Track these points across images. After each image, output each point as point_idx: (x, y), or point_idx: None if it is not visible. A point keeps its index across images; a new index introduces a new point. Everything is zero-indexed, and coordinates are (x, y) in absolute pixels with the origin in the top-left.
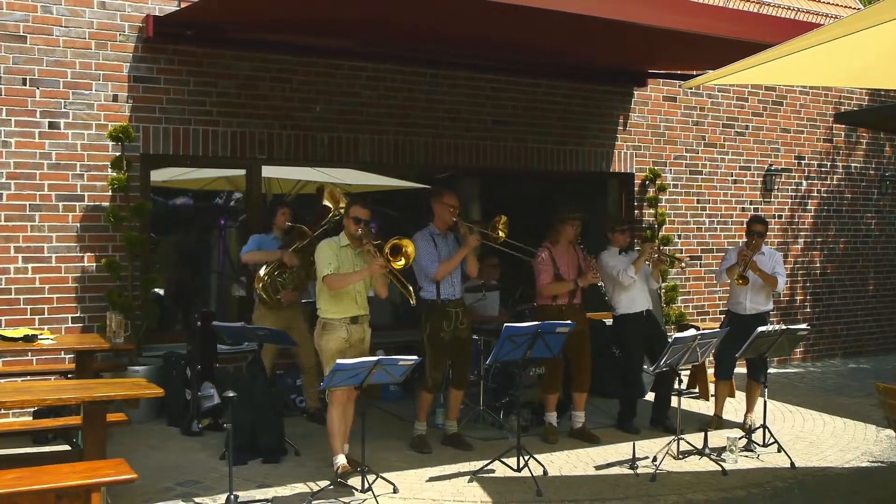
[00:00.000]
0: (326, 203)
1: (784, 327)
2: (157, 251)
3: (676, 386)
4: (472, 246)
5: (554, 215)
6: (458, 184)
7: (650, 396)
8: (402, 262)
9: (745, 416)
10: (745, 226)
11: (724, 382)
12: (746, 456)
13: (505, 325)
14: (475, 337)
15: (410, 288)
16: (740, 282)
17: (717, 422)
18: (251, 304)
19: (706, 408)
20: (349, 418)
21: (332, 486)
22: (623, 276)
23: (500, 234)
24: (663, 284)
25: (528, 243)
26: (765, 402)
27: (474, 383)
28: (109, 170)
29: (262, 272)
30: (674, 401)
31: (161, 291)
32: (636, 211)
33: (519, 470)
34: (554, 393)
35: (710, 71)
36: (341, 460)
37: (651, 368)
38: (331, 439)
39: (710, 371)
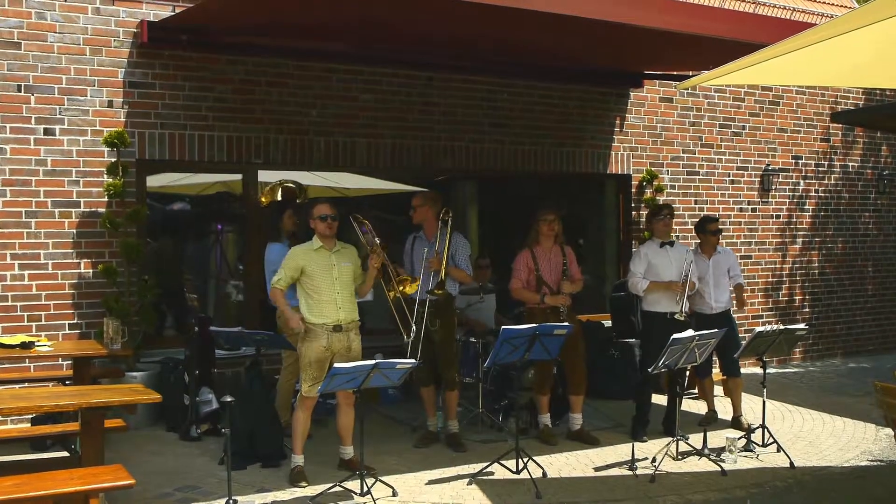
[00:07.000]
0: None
1: (782, 327)
2: (154, 256)
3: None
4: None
5: (532, 216)
6: (454, 186)
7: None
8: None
9: (739, 414)
10: (707, 226)
11: (707, 380)
12: (746, 456)
13: (502, 327)
14: (472, 340)
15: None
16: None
17: (713, 416)
18: (249, 309)
19: (706, 409)
20: (350, 419)
21: (331, 489)
22: (632, 286)
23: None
24: None
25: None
26: (763, 402)
27: (473, 386)
28: (105, 176)
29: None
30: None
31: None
32: (633, 212)
33: (518, 472)
34: (545, 394)
35: (706, 71)
36: (299, 461)
37: (649, 369)
38: (293, 439)
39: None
